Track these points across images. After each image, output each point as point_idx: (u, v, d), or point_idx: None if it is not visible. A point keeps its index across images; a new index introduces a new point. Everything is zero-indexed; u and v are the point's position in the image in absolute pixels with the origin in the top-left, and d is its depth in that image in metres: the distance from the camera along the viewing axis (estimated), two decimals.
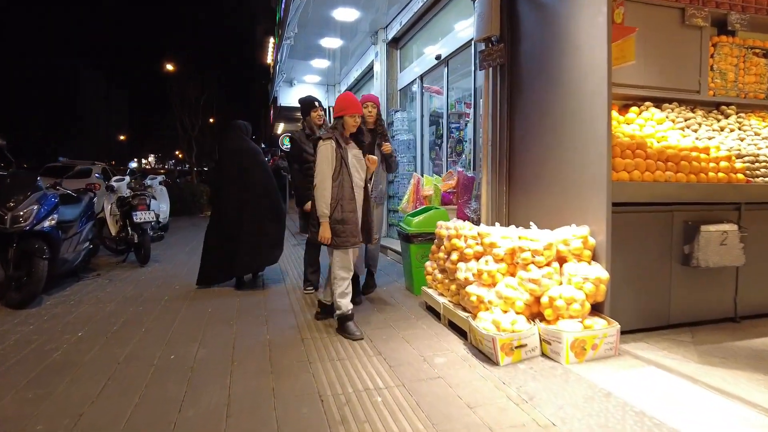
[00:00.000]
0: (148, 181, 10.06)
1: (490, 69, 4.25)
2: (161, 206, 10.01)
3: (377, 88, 8.10)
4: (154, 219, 6.29)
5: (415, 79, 7.15)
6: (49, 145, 40.05)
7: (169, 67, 22.17)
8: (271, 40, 18.34)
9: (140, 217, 6.15)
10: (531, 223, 3.26)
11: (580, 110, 3.23)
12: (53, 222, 4.66)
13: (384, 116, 7.89)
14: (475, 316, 3.22)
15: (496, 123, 4.17)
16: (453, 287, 3.67)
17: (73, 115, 61.12)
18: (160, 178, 10.29)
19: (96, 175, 9.31)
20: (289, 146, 18.13)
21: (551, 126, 3.54)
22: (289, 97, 11.70)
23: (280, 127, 18.88)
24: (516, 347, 2.92)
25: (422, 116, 7.16)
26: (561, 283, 3.06)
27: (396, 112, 7.61)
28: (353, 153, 3.56)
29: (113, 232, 6.84)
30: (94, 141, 69.75)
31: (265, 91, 26.51)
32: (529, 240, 3.09)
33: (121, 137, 79.31)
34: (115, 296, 4.78)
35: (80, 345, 3.39)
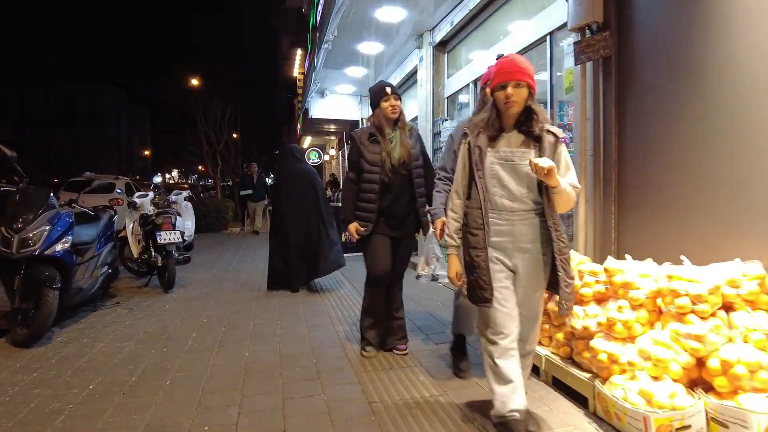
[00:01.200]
0: (172, 197, 9.45)
1: (589, 63, 3.49)
2: (186, 223, 9.41)
3: (421, 96, 7.41)
4: (180, 239, 5.63)
5: (469, 83, 6.43)
6: (74, 160, 40.43)
7: (194, 82, 21.99)
8: (299, 51, 17.94)
9: (165, 237, 5.50)
10: (683, 257, 2.45)
11: (744, 112, 2.45)
12: (67, 245, 4.02)
13: (428, 128, 7.19)
14: (604, 380, 2.42)
15: (598, 128, 3.40)
16: (559, 336, 2.87)
17: (98, 131, 62.20)
18: (185, 193, 9.70)
19: (117, 190, 8.74)
20: (317, 161, 17.40)
21: (690, 132, 2.75)
22: (320, 109, 11.10)
23: (307, 141, 18.35)
24: (677, 430, 2.11)
25: None
26: (732, 340, 2.24)
27: (444, 121, 6.89)
28: (500, 154, 2.22)
29: (135, 253, 6.22)
30: (118, 157, 70.91)
31: (290, 105, 26.17)
32: (686, 281, 2.29)
33: (146, 152, 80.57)
34: (135, 332, 4.09)
35: (89, 405, 2.68)
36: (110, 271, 5.12)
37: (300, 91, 19.39)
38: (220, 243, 10.92)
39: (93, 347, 3.70)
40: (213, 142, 18.15)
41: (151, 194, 6.56)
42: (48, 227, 3.87)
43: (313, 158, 21.09)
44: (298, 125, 19.37)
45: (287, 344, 3.74)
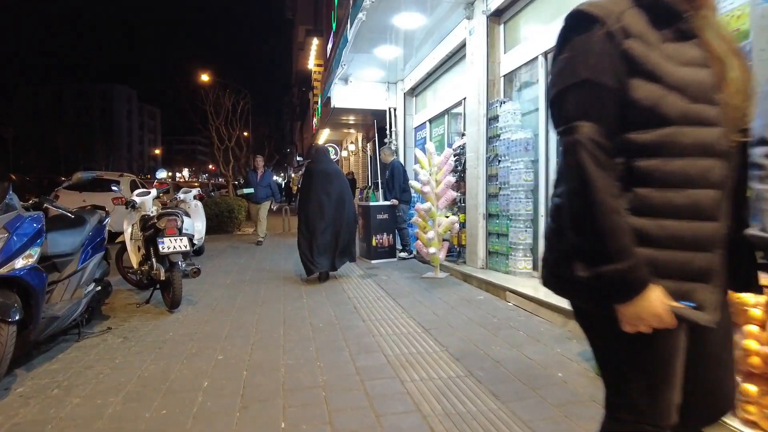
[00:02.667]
0: (180, 195, 8.45)
1: None
2: (196, 225, 8.35)
3: (472, 75, 6.26)
4: (188, 247, 4.54)
5: (537, 56, 5.26)
6: (84, 159, 39.77)
7: (205, 77, 21.02)
8: (315, 41, 16.87)
9: (169, 245, 4.41)
10: None
11: None
12: (32, 260, 2.93)
13: (480, 112, 6.03)
14: None
15: None
16: None
17: (109, 131, 61.83)
18: (194, 191, 8.64)
19: (113, 188, 7.67)
20: (333, 157, 15.96)
21: None
22: (344, 97, 9.99)
23: (324, 134, 17.23)
24: None
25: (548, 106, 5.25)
26: None
27: (502, 103, 5.73)
28: None
29: (134, 263, 5.15)
30: (129, 156, 70.54)
31: (304, 99, 25.13)
32: None
33: (156, 152, 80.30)
34: (126, 378, 2.99)
35: None
36: (99, 288, 4.04)
37: (316, 83, 18.31)
38: (234, 247, 9.85)
39: (63, 406, 2.61)
40: (224, 138, 17.14)
41: (153, 192, 5.48)
42: (2, 237, 2.78)
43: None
44: (314, 119, 18.29)
45: (337, 402, 2.61)
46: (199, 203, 8.64)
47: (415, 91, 9.72)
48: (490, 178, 5.94)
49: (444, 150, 6.35)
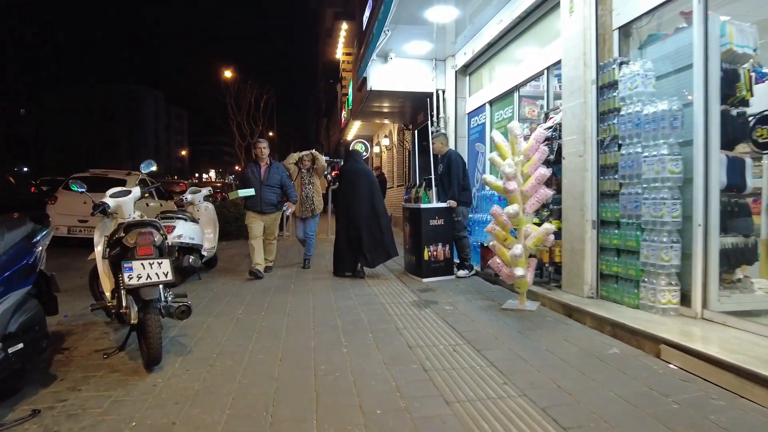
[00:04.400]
0: (188, 196, 6.95)
1: None
2: (206, 232, 6.86)
3: (572, 29, 4.53)
4: (168, 275, 2.96)
5: None
6: (112, 160, 39.31)
7: (228, 73, 19.80)
8: (344, 26, 15.32)
9: (138, 273, 2.85)
10: None
11: None
12: None
13: (587, 77, 4.30)
14: None
15: None
16: None
17: (136, 132, 62.02)
18: (205, 191, 7.13)
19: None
20: (363, 155, 14.20)
21: None
22: (382, 78, 8.34)
23: (354, 129, 15.60)
24: None
25: (706, 64, 3.46)
26: None
27: (621, 64, 4.01)
28: None
29: (107, 289, 3.61)
30: (156, 157, 70.75)
31: (331, 93, 23.63)
32: None
33: (183, 153, 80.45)
34: None
35: None
36: (20, 347, 2.49)
37: (345, 74, 16.76)
38: None
39: None
40: (246, 134, 15.74)
41: (135, 191, 3.92)
42: None
43: (359, 151, 18.47)
44: (343, 113, 16.74)
45: None
46: (210, 205, 7.12)
47: (468, 69, 8.01)
48: (604, 169, 4.21)
49: (533, 132, 4.64)
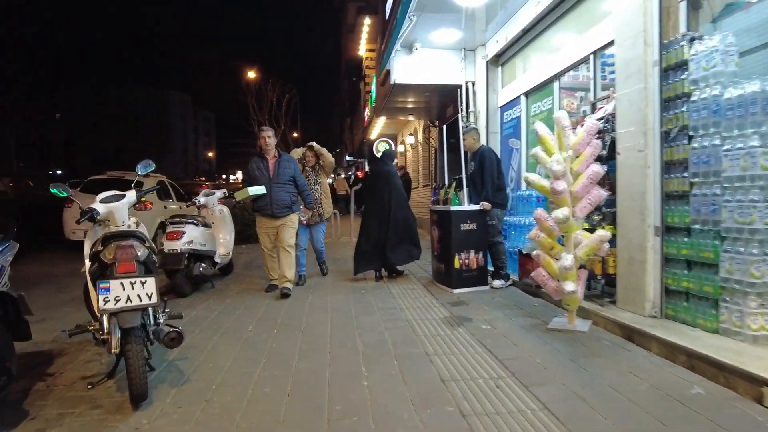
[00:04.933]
0: (201, 199, 6.53)
1: None
2: (220, 237, 6.44)
3: (628, 4, 3.88)
4: (153, 297, 2.48)
5: None
6: (128, 160, 39.77)
7: (250, 74, 19.57)
8: (367, 21, 14.79)
9: (116, 296, 2.38)
10: None
11: None
12: None
13: (648, 57, 3.66)
14: None
15: None
16: None
17: (164, 134, 63.06)
18: (219, 193, 6.70)
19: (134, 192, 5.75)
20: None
21: None
22: (407, 70, 7.77)
23: (378, 127, 15.06)
24: None
25: None
26: None
27: (693, 40, 3.37)
28: None
29: (96, 307, 3.17)
30: (184, 159, 71.82)
31: (354, 92, 23.19)
32: None
33: (210, 155, 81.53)
34: None
35: None
36: None
37: (368, 71, 16.25)
38: None
39: None
40: None
41: (129, 196, 3.47)
42: None
43: (382, 150, 17.87)
44: (366, 111, 16.25)
45: None
46: (225, 208, 6.70)
47: (501, 59, 7.38)
48: (670, 165, 3.57)
49: (582, 123, 4.01)
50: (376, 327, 3.99)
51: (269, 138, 5.38)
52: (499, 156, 5.77)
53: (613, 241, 3.96)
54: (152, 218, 9.12)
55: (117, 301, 2.36)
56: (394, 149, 15.92)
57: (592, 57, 4.93)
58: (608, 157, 4.14)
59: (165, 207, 9.97)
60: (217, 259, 6.09)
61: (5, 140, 30.88)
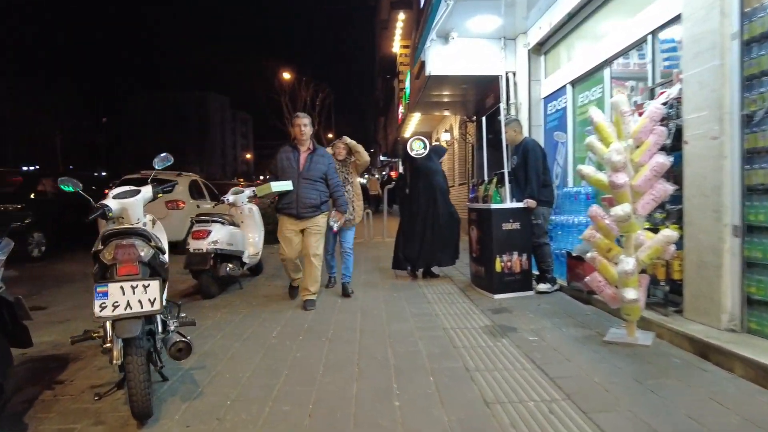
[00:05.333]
0: (230, 197, 6.30)
1: None
2: (249, 237, 6.23)
3: None
4: (156, 304, 2.21)
5: None
6: (179, 163, 40.95)
7: (286, 75, 19.60)
8: (401, 16, 14.47)
9: (114, 302, 2.12)
10: None
11: None
12: None
13: (720, 27, 3.16)
14: None
15: None
16: None
17: (204, 136, 64.68)
18: (248, 191, 6.48)
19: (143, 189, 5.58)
20: (421, 152, 13.14)
21: None
22: (443, 61, 7.37)
23: (412, 124, 14.69)
24: None
25: None
26: None
27: None
28: None
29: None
30: (223, 160, 73.54)
31: (388, 90, 22.88)
32: None
33: (248, 156, 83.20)
34: None
35: None
36: None
37: (402, 68, 15.91)
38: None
39: None
40: None
41: (145, 191, 3.23)
42: None
43: (416, 149, 17.47)
44: (400, 108, 15.91)
45: None
46: (255, 207, 6.49)
47: (544, 47, 6.89)
48: (753, 155, 3.06)
49: (647, 108, 3.53)
50: (409, 336, 3.64)
51: (305, 127, 4.63)
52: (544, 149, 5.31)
53: (678, 243, 3.47)
54: (185, 217, 9.05)
55: (115, 307, 2.10)
56: (428, 147, 15.49)
57: (650, 38, 4.42)
58: (672, 148, 3.64)
59: (198, 206, 9.92)
60: (246, 260, 5.88)
61: (52, 143, 32.22)
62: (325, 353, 3.31)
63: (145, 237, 2.42)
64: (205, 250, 5.12)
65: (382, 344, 3.47)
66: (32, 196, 9.20)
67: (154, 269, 2.38)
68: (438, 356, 3.18)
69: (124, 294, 2.13)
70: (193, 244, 5.13)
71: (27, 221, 8.52)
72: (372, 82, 34.73)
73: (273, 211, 9.53)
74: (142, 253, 2.29)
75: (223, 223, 5.51)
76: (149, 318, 2.26)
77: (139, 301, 2.14)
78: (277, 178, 4.64)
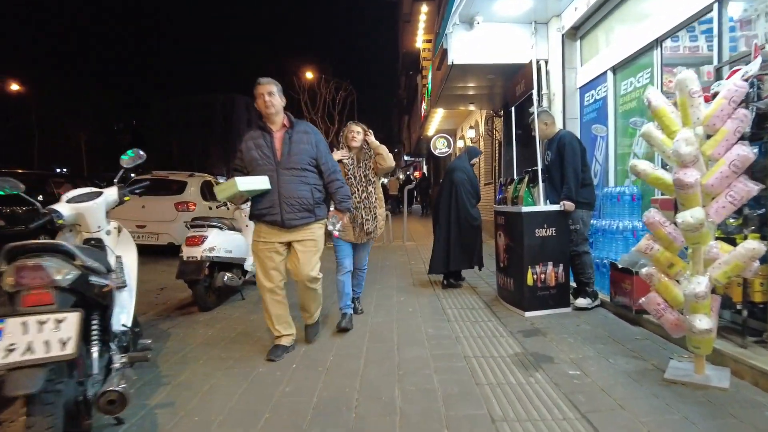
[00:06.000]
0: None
1: None
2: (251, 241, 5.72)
3: None
4: (68, 349, 1.65)
5: None
6: (192, 162, 41.22)
7: (308, 75, 19.17)
8: (424, 8, 13.82)
9: (5, 344, 1.58)
10: None
11: None
12: None
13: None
14: None
15: None
16: None
17: (230, 136, 65.32)
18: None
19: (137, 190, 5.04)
20: (445, 150, 13.14)
21: None
22: (467, 49, 6.67)
23: (435, 121, 13.98)
24: None
25: None
26: None
27: None
28: None
29: None
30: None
31: (411, 87, 22.24)
32: None
33: None
34: None
35: None
36: None
37: (425, 63, 15.26)
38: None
39: None
40: (321, 131, 14.77)
41: (108, 193, 2.73)
42: None
43: (440, 147, 16.70)
44: (423, 105, 15.26)
45: None
46: None
47: (579, 31, 6.16)
48: None
49: (721, 90, 2.82)
50: (423, 367, 3.03)
51: (269, 95, 3.18)
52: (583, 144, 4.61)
53: (762, 258, 2.75)
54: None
55: (9, 351, 1.56)
56: (452, 146, 14.77)
57: (716, 5, 3.69)
58: (752, 137, 2.92)
59: (210, 208, 9.53)
60: (248, 268, 5.37)
61: (77, 144, 32.69)
62: (318, 390, 2.73)
63: (70, 254, 1.88)
64: (199, 258, 4.62)
65: (389, 379, 2.87)
66: None
67: (84, 296, 1.84)
68: (457, 398, 2.55)
69: (26, 332, 1.60)
70: (187, 252, 4.63)
71: None
72: (396, 79, 34.15)
73: None
74: (58, 277, 1.75)
75: (221, 228, 5.01)
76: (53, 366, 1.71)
77: (45, 343, 1.60)
78: (245, 174, 3.26)
